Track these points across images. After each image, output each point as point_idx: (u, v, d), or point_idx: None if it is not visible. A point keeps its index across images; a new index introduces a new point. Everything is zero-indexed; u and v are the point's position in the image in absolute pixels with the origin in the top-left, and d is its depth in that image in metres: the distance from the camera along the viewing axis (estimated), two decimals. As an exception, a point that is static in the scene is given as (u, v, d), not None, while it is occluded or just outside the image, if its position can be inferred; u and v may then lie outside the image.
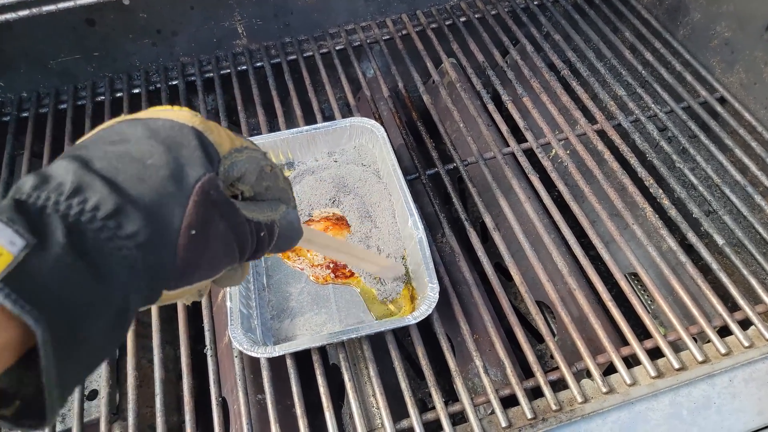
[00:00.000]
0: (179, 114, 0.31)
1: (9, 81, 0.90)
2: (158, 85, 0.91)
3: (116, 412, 0.66)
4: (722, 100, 0.80)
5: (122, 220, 0.25)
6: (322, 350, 0.62)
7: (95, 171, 0.26)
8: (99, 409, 0.60)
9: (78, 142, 0.30)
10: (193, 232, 0.28)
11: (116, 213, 0.25)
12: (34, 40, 0.87)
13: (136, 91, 0.91)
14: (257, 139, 0.71)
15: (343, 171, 0.71)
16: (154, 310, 0.65)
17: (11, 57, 0.88)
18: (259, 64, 0.92)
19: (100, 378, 0.62)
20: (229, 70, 0.92)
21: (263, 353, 0.54)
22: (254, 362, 0.63)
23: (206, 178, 0.29)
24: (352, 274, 0.64)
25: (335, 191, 0.70)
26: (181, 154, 0.29)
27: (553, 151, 0.78)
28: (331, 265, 0.65)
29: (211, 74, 0.92)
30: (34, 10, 0.80)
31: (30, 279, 0.22)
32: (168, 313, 0.75)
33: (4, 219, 0.22)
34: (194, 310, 0.68)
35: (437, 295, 0.57)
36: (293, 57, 0.93)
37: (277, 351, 0.54)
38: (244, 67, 0.92)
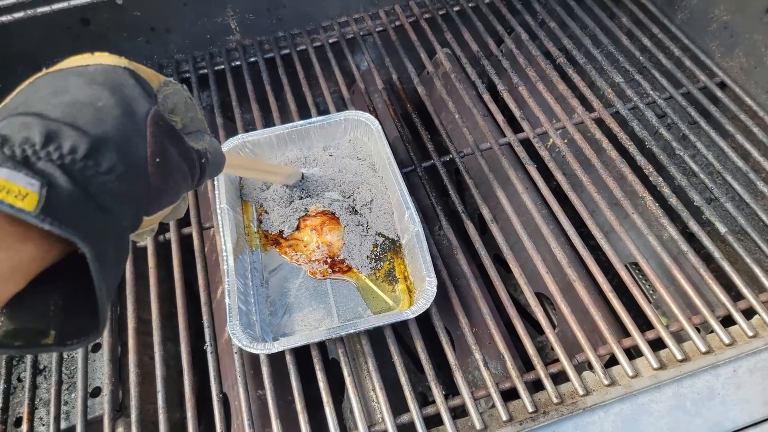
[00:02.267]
0: (104, 58, 0.32)
1: (6, 83, 0.90)
2: (153, 84, 0.90)
3: (119, 409, 0.66)
4: (722, 85, 0.79)
5: (99, 158, 0.28)
6: (321, 345, 0.62)
7: (56, 119, 0.27)
8: (102, 406, 0.60)
9: (4, 104, 0.30)
10: (158, 159, 0.31)
11: (92, 152, 0.27)
12: (31, 41, 0.87)
13: (131, 89, 0.90)
14: (252, 135, 0.70)
15: (339, 165, 0.71)
16: (154, 307, 0.65)
17: (8, 59, 0.87)
18: (252, 59, 0.92)
19: (103, 375, 0.62)
20: (223, 66, 0.91)
21: (262, 349, 0.54)
22: (254, 358, 0.63)
23: (153, 111, 0.32)
24: (350, 268, 0.64)
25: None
26: (124, 94, 0.31)
27: (551, 141, 0.77)
28: (329, 260, 0.64)
29: (206, 70, 0.91)
30: (29, 12, 0.80)
31: (59, 210, 0.25)
32: (169, 310, 0.75)
33: (9, 166, 0.24)
34: (194, 307, 0.68)
35: (435, 289, 0.57)
36: (286, 51, 0.92)
37: (275, 347, 0.54)
38: (238, 63, 0.92)
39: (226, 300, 0.56)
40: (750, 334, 0.56)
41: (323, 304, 0.61)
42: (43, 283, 0.27)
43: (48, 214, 0.24)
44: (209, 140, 0.39)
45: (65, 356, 0.72)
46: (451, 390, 0.77)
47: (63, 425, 0.64)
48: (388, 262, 0.64)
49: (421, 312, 0.56)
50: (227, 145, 0.69)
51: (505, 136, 0.77)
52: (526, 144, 0.76)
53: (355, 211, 0.68)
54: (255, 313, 0.60)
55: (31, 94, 0.29)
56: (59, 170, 0.26)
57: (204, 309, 0.64)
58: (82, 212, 0.26)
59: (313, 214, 0.67)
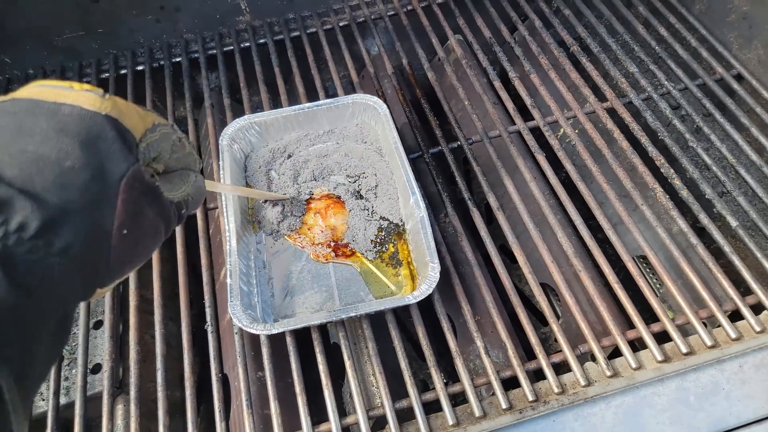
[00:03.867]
0: (84, 97, 0.27)
1: (15, 57, 0.90)
2: (162, 62, 0.90)
3: (119, 386, 0.66)
4: (739, 78, 0.77)
5: (51, 237, 0.23)
6: (322, 329, 0.62)
7: (9, 182, 0.23)
8: (102, 382, 0.60)
9: None
10: (125, 231, 0.27)
11: (44, 230, 0.23)
12: (39, 15, 0.86)
13: (140, 68, 0.90)
14: (259, 116, 0.70)
15: (345, 149, 0.70)
16: (156, 286, 0.65)
17: (17, 33, 0.87)
18: (262, 41, 0.91)
19: (103, 352, 0.62)
20: (232, 47, 0.91)
21: (262, 330, 0.54)
22: (255, 340, 0.63)
23: (131, 173, 0.27)
24: (353, 252, 0.63)
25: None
26: (99, 150, 0.26)
27: (561, 130, 0.76)
28: (332, 244, 0.64)
29: (215, 51, 0.91)
30: (38, -15, 0.80)
31: None
32: (172, 290, 0.75)
33: None
34: (197, 289, 0.68)
35: (438, 275, 0.56)
36: (296, 33, 0.91)
37: (275, 328, 0.54)
38: (247, 44, 0.91)
39: (228, 280, 0.56)
40: (758, 329, 0.55)
41: (325, 287, 0.61)
42: None
43: None
44: (194, 179, 0.34)
45: (68, 332, 0.72)
46: (452, 378, 0.77)
47: (63, 400, 0.65)
48: (392, 245, 0.64)
49: (423, 297, 0.55)
50: (233, 126, 0.68)
51: (514, 124, 0.76)
52: (536, 133, 0.75)
53: (361, 195, 0.67)
54: (256, 295, 0.60)
55: None
56: None
57: (206, 289, 0.64)
58: (11, 323, 0.22)
59: (317, 198, 0.67)
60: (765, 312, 0.57)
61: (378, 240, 0.64)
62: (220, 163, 0.65)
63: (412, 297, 0.55)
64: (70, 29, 0.89)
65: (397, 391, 0.56)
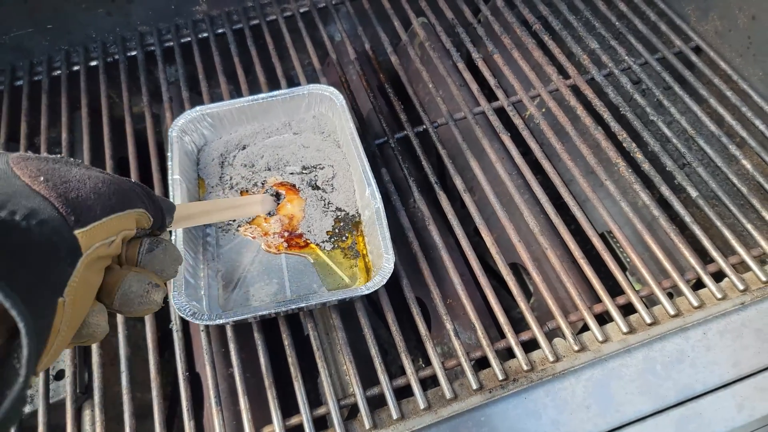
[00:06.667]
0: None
1: (-42, 58, 0.86)
2: (116, 57, 0.87)
3: (85, 391, 0.65)
4: (697, 50, 0.78)
5: None
6: (294, 321, 0.61)
7: None
8: (66, 389, 0.59)
9: None
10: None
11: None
12: (-18, 14, 0.83)
13: (94, 63, 0.87)
14: (212, 107, 0.67)
15: (302, 140, 0.69)
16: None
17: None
18: (220, 31, 0.88)
19: (65, 357, 0.61)
20: (189, 39, 0.88)
21: (204, 321, 0.52)
22: (222, 336, 0.62)
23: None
24: (307, 244, 0.62)
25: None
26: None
27: (528, 111, 0.76)
28: (285, 234, 0.62)
29: (171, 43, 0.88)
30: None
31: None
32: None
33: None
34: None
35: (392, 266, 0.55)
36: (256, 22, 0.89)
37: (216, 320, 0.52)
38: (205, 35, 0.88)
39: None
40: (719, 296, 0.56)
41: (276, 279, 0.60)
42: None
43: None
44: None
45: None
46: (429, 361, 0.77)
47: (27, 409, 0.63)
48: (350, 234, 0.63)
49: (375, 288, 0.54)
50: (184, 117, 0.66)
51: (479, 105, 0.75)
52: (502, 113, 0.74)
53: (317, 186, 0.66)
54: (203, 287, 0.58)
55: None
56: None
57: (169, 287, 0.62)
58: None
59: (271, 186, 0.65)
60: (726, 279, 0.58)
61: (335, 231, 0.63)
62: (168, 154, 0.63)
63: (364, 288, 0.54)
64: (17, 26, 0.85)
65: (371, 378, 0.56)
